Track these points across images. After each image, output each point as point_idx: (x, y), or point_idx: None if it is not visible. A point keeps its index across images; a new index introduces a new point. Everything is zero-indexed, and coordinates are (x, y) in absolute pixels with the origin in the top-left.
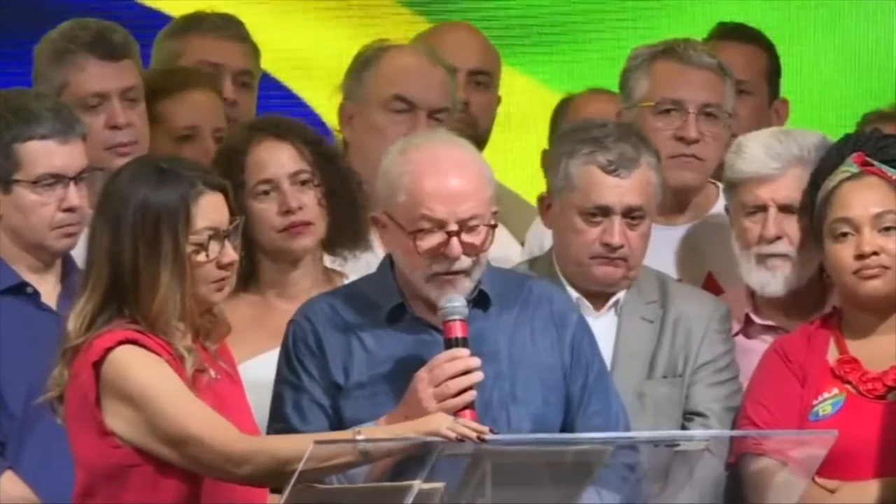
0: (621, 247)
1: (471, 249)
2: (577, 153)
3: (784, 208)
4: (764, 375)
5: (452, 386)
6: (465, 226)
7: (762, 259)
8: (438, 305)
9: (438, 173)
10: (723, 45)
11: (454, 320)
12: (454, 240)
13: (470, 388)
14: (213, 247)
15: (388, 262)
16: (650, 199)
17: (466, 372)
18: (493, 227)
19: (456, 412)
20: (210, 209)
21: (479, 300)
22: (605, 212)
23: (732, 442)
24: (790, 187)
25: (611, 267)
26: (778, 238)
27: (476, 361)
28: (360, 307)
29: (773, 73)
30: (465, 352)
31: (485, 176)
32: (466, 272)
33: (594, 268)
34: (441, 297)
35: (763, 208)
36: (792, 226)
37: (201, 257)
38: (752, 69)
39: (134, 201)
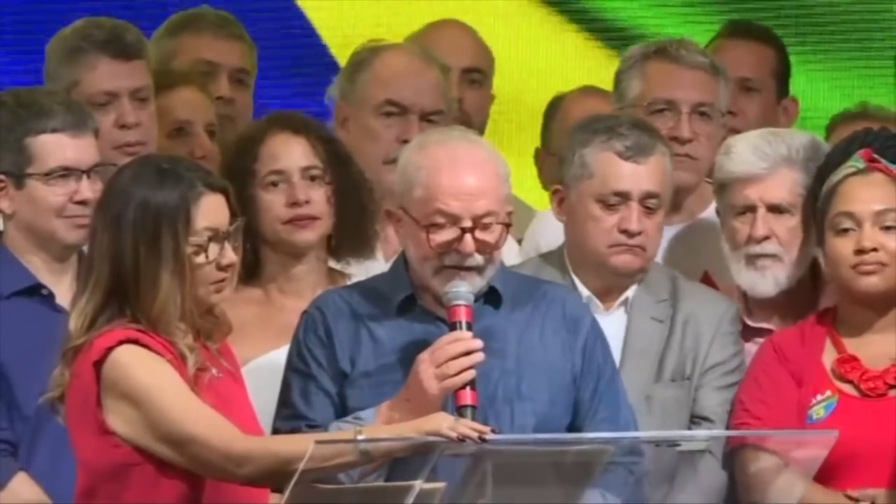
0: (640, 233)
1: (484, 247)
2: (593, 141)
3: (772, 208)
4: (760, 371)
5: (453, 366)
6: (479, 223)
7: (751, 259)
8: (443, 291)
9: (455, 170)
10: (731, 43)
11: (458, 305)
12: (468, 236)
13: (471, 367)
14: (213, 248)
15: (403, 258)
16: (665, 188)
17: (469, 354)
18: (508, 226)
19: (456, 391)
20: (210, 210)
21: (491, 298)
22: (623, 198)
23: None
24: (779, 187)
25: (630, 255)
26: (766, 238)
27: (478, 343)
28: (371, 299)
29: (781, 71)
30: (467, 334)
31: (501, 174)
32: (478, 269)
33: (613, 257)
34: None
35: (752, 208)
36: (781, 226)
37: (201, 258)
38: (759, 67)
39: (134, 201)
